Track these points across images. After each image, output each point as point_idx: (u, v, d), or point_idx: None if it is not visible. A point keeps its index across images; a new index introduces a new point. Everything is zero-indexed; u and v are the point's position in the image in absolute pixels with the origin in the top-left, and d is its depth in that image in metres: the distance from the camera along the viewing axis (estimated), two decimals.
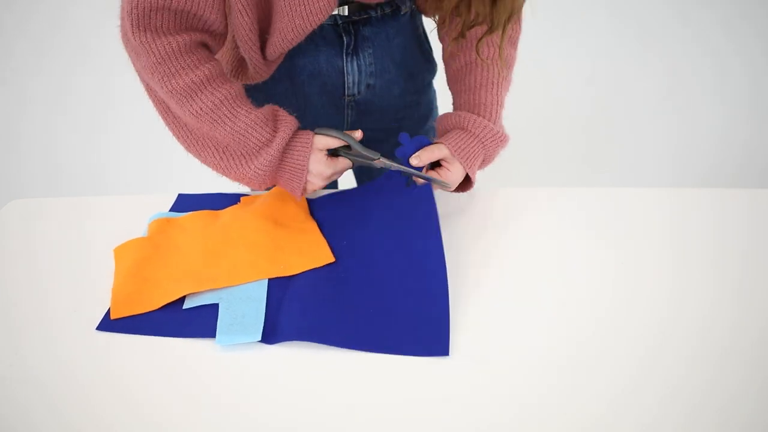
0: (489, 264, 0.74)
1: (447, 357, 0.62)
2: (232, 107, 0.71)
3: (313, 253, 0.75)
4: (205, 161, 0.77)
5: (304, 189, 0.78)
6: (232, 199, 0.88)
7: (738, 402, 0.56)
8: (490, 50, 0.79)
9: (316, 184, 0.78)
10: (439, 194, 0.87)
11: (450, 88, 0.86)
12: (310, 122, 0.89)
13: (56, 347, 0.65)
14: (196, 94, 0.69)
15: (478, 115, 0.79)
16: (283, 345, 0.64)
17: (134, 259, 0.75)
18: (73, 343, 0.66)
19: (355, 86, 0.88)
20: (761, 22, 1.89)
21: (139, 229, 0.83)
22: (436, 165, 0.80)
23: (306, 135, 0.75)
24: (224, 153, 0.74)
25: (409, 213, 0.78)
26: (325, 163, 0.76)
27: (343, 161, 0.78)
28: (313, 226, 0.80)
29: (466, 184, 0.83)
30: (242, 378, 0.61)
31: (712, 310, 0.67)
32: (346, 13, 0.80)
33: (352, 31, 0.82)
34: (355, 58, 0.85)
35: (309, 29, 0.73)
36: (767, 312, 0.66)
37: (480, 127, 0.78)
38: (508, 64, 0.81)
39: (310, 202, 0.86)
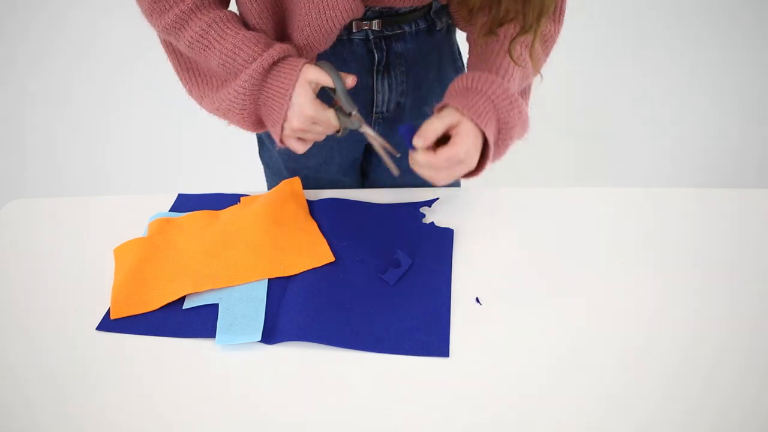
0: (489, 264, 0.74)
1: (447, 358, 0.62)
2: (221, 29, 0.68)
3: (313, 252, 0.75)
4: (202, 100, 0.74)
5: (283, 128, 0.70)
6: (232, 199, 0.88)
7: (737, 402, 0.56)
8: (522, 50, 0.70)
9: (294, 124, 0.69)
10: (441, 198, 0.87)
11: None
12: (334, 140, 0.85)
13: (56, 347, 0.65)
14: (187, 24, 0.68)
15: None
16: (283, 345, 0.64)
17: (134, 259, 0.75)
18: (73, 343, 0.65)
19: (384, 104, 0.83)
20: (759, 22, 1.89)
21: (139, 229, 0.83)
22: (442, 142, 0.68)
23: (296, 60, 0.68)
24: (221, 84, 0.72)
25: (418, 226, 0.80)
26: (310, 101, 0.67)
27: (329, 114, 0.69)
28: (313, 226, 0.80)
29: (479, 165, 0.70)
30: (242, 378, 0.61)
31: (713, 309, 0.67)
32: (378, 28, 0.76)
33: (384, 48, 0.78)
34: (386, 75, 0.80)
35: (327, 26, 0.68)
36: (761, 312, 0.66)
37: (486, 82, 0.66)
38: (536, 62, 0.71)
39: (311, 204, 0.86)
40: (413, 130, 0.68)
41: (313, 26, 0.68)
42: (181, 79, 0.76)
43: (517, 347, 0.63)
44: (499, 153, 0.71)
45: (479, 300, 0.69)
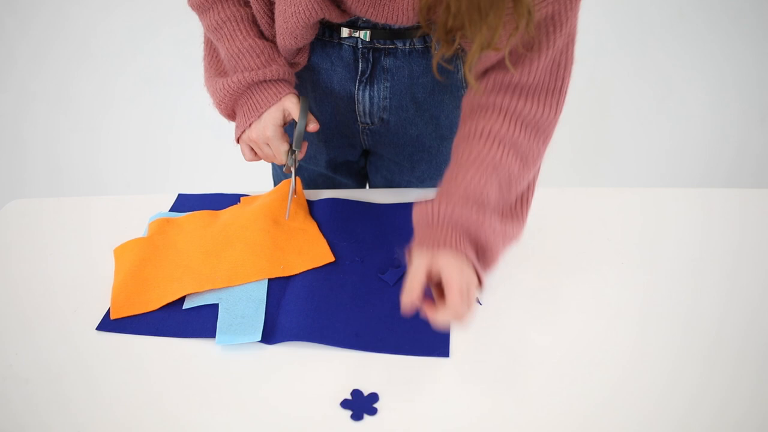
0: None
1: (447, 358, 0.62)
2: (233, 28, 0.74)
3: (313, 252, 0.75)
4: (205, 71, 0.80)
5: (242, 133, 0.77)
6: (232, 199, 0.88)
7: (736, 401, 0.57)
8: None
9: (252, 134, 0.76)
10: None
11: None
12: (320, 139, 0.87)
13: (56, 347, 0.65)
14: (209, 11, 0.74)
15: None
16: (283, 345, 0.64)
17: (134, 259, 0.75)
18: (73, 343, 0.66)
19: (367, 116, 0.83)
20: (759, 22, 1.90)
21: (139, 229, 0.83)
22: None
23: (284, 87, 0.75)
24: (221, 71, 0.78)
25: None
26: (275, 125, 0.75)
27: (282, 148, 0.76)
28: (313, 226, 0.80)
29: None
30: (242, 378, 0.61)
31: (712, 309, 0.67)
32: (368, 39, 0.75)
33: (371, 59, 0.77)
34: (368, 87, 0.79)
35: (292, 21, 0.68)
36: (761, 312, 0.66)
37: (445, 211, 0.59)
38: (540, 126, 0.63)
39: (311, 204, 0.86)
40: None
41: (281, 17, 0.70)
42: (203, 42, 0.81)
43: (517, 347, 0.63)
44: (491, 265, 0.63)
45: (479, 300, 0.69)
